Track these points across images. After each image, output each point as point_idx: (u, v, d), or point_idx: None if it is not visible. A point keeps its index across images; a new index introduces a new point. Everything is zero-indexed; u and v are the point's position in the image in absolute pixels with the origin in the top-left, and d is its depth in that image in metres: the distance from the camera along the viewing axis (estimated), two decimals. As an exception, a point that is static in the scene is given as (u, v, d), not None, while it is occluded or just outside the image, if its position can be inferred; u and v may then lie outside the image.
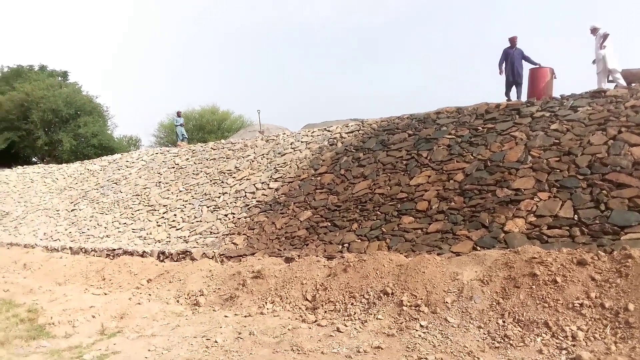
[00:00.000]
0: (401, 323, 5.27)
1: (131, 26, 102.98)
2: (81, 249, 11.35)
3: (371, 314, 5.59)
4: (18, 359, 5.61)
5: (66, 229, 13.27)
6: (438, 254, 6.47)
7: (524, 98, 10.95)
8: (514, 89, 11.71)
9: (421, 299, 5.49)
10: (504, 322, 4.81)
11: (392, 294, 5.72)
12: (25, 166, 20.58)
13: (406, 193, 8.37)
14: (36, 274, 10.43)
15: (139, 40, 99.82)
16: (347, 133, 11.33)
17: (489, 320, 4.91)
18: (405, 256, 6.68)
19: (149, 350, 5.51)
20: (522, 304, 4.90)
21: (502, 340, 4.61)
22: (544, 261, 5.21)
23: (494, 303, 5.09)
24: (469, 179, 7.93)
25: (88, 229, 12.71)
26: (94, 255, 10.89)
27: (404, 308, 5.44)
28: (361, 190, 9.09)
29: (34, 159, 27.19)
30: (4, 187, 18.36)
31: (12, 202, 16.90)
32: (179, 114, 20.47)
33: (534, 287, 5.01)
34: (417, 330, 5.07)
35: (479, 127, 9.00)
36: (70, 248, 11.60)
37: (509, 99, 11.22)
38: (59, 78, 30.17)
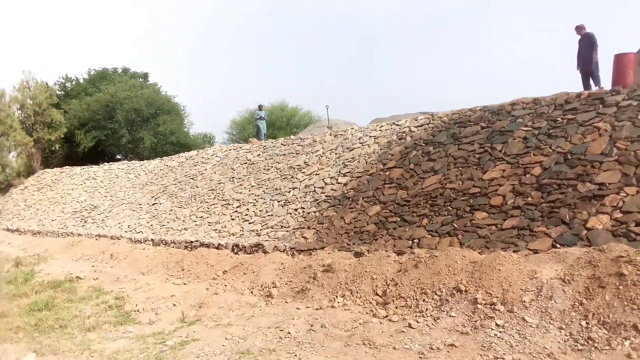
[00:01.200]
0: (475, 321, 5.15)
1: (203, 25, 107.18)
2: (162, 240, 12.04)
3: (444, 311, 5.51)
4: (108, 343, 6.07)
5: (148, 222, 14.13)
6: (514, 251, 6.26)
7: (607, 87, 10.25)
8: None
9: (497, 297, 5.34)
10: (587, 323, 4.57)
11: (466, 291, 5.60)
12: (110, 163, 22.04)
13: (479, 188, 8.14)
14: (122, 264, 11.20)
15: (208, 38, 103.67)
16: (416, 127, 11.16)
17: (571, 322, 4.69)
18: (478, 253, 6.52)
19: (226, 338, 5.77)
20: (608, 305, 4.63)
21: (585, 343, 4.38)
22: (633, 260, 4.88)
23: (577, 303, 4.85)
24: (548, 172, 7.56)
25: (167, 222, 13.46)
26: (173, 247, 11.51)
27: (479, 306, 5.31)
28: (431, 185, 8.94)
29: (118, 156, 29.07)
30: (93, 183, 19.84)
31: (99, 197, 18.23)
32: (260, 108, 20.05)
33: (621, 287, 4.72)
34: (492, 329, 4.94)
35: (558, 118, 8.54)
36: (152, 240, 12.35)
37: (587, 90, 10.57)
38: (140, 79, 32.07)
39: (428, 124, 10.96)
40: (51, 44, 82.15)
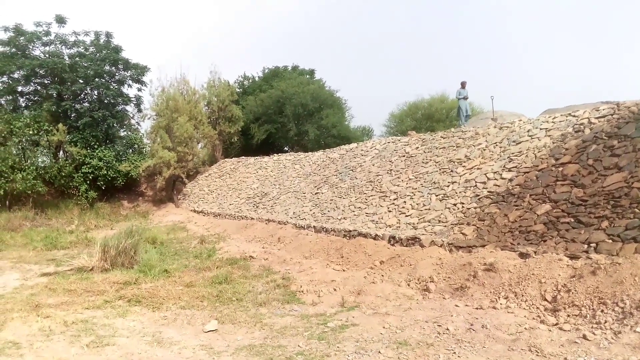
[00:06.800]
0: (667, 341, 4.50)
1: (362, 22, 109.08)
2: (323, 228, 12.74)
3: (627, 325, 4.91)
4: (276, 319, 6.69)
5: (310, 210, 15.05)
6: None
7: None
8: None
9: (697, 316, 4.58)
10: None
11: (656, 306, 4.91)
12: (279, 154, 23.87)
13: (678, 189, 6.99)
14: (288, 247, 12.15)
15: (370, 33, 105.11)
16: (597, 118, 9.96)
17: None
18: (674, 264, 5.64)
19: (384, 327, 5.94)
20: None
21: None
22: None
23: None
24: None
25: (328, 211, 14.17)
26: (333, 235, 12.12)
27: (672, 324, 4.62)
28: (614, 183, 7.93)
29: (285, 148, 31.26)
30: (264, 172, 21.75)
31: (269, 185, 19.93)
32: (463, 85, 18.26)
33: None
34: (690, 353, 4.26)
35: None
36: (314, 227, 13.14)
37: None
38: (307, 76, 34.06)
39: (612, 115, 9.70)
40: (231, 46, 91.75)
